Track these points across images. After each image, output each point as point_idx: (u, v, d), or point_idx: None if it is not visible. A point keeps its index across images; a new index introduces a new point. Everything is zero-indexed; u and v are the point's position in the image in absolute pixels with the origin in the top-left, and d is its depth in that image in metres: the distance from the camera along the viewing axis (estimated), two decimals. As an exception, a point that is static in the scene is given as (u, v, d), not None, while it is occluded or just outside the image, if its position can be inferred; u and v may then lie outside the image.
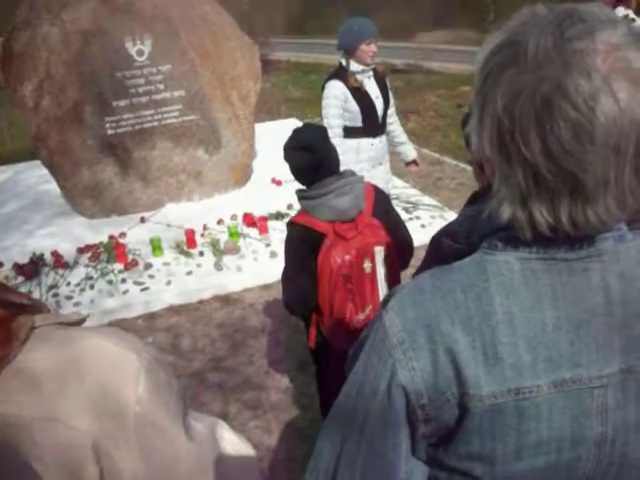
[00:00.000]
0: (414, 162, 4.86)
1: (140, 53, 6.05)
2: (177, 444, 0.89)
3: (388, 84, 4.58)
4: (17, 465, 0.79)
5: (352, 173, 2.60)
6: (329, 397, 2.91)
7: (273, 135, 7.89)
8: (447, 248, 1.05)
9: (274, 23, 26.49)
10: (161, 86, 6.21)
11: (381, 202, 2.65)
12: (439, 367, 0.88)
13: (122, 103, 6.09)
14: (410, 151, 4.82)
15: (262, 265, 5.17)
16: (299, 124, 9.23)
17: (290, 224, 2.59)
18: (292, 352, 4.08)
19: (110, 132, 6.09)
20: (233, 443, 1.04)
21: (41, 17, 5.87)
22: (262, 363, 4.03)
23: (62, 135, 5.97)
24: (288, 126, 9.38)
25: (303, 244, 2.51)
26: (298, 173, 2.56)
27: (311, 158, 2.48)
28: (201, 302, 4.86)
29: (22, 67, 5.88)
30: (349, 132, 4.26)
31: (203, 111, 6.38)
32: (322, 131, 2.62)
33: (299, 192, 2.58)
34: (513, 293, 0.87)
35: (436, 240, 1.76)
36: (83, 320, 0.94)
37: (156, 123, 6.24)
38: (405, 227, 2.75)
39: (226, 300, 4.86)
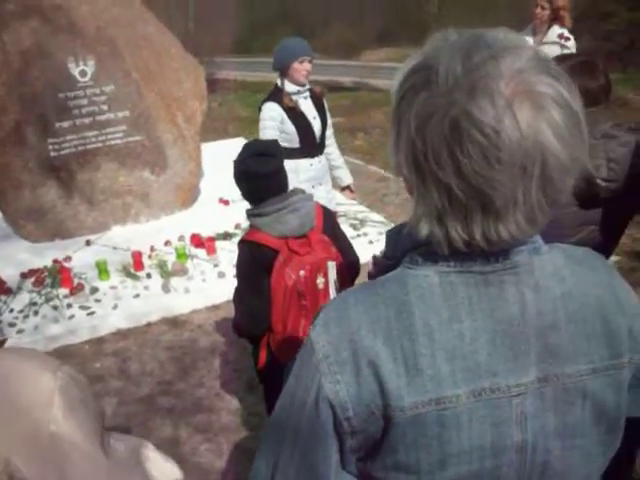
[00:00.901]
0: (349, 188, 4.89)
1: (83, 74, 5.97)
2: (94, 463, 0.89)
3: (326, 104, 4.61)
4: None
5: (302, 191, 2.62)
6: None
7: (220, 155, 7.84)
8: (379, 264, 1.09)
9: (220, 42, 26.51)
10: (105, 107, 6.13)
11: (329, 221, 2.67)
12: (362, 380, 0.90)
13: (65, 124, 5.99)
14: (345, 176, 4.85)
15: (210, 286, 5.13)
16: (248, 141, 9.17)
17: (241, 242, 2.57)
18: (241, 373, 4.06)
19: (53, 154, 5.98)
20: (158, 464, 1.04)
21: (-21, 39, 5.75)
22: (212, 385, 3.99)
23: (3, 157, 5.84)
24: (235, 145, 9.27)
25: (255, 262, 2.49)
26: (252, 185, 2.52)
27: (270, 164, 2.47)
28: (149, 325, 4.79)
29: (-40, 89, 5.74)
30: (287, 153, 4.27)
31: (148, 132, 6.33)
32: (277, 142, 2.66)
33: (250, 210, 2.57)
34: (432, 306, 0.90)
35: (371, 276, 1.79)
36: (3, 342, 0.94)
37: (100, 144, 6.15)
38: (351, 245, 2.77)
39: (174, 322, 4.80)
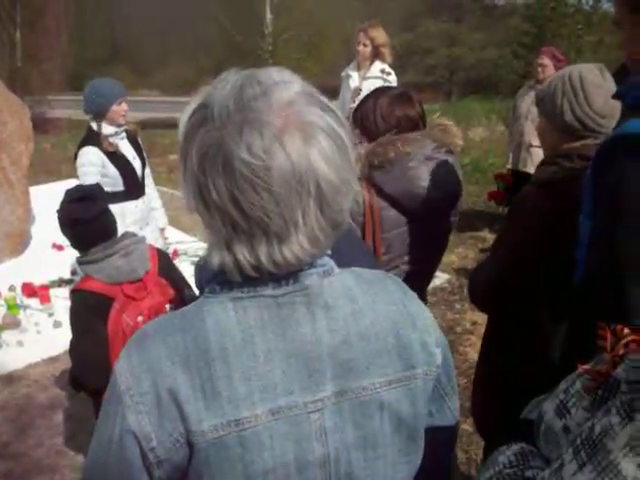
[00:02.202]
0: (163, 231, 4.87)
1: None
2: None
3: (140, 143, 4.58)
4: None
5: (133, 234, 2.56)
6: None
7: (53, 197, 7.41)
8: (190, 299, 1.11)
9: (51, 80, 25.44)
10: None
11: (164, 262, 2.62)
12: (163, 408, 0.91)
13: None
14: (161, 219, 4.82)
15: (46, 337, 4.83)
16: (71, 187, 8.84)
17: (73, 292, 2.46)
18: (85, 425, 3.82)
19: None
20: None
21: None
22: (53, 443, 3.73)
23: None
24: (69, 187, 8.99)
25: (88, 312, 2.38)
26: (77, 231, 2.42)
27: (94, 207, 2.39)
28: (-21, 385, 4.42)
29: None
30: (111, 197, 4.14)
31: (-30, 177, 5.92)
32: (99, 185, 2.61)
33: (80, 258, 2.47)
34: (226, 330, 0.93)
35: None
36: None
37: None
38: (189, 285, 2.73)
39: (8, 379, 4.46)
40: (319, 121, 0.87)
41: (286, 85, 0.88)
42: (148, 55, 37.40)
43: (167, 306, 2.48)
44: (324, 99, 0.92)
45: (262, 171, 0.83)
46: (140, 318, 2.39)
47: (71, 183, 8.27)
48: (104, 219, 2.45)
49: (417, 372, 1.02)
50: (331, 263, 1.00)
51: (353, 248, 1.21)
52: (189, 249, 6.14)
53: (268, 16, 21.96)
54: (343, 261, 1.02)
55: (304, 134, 0.85)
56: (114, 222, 2.52)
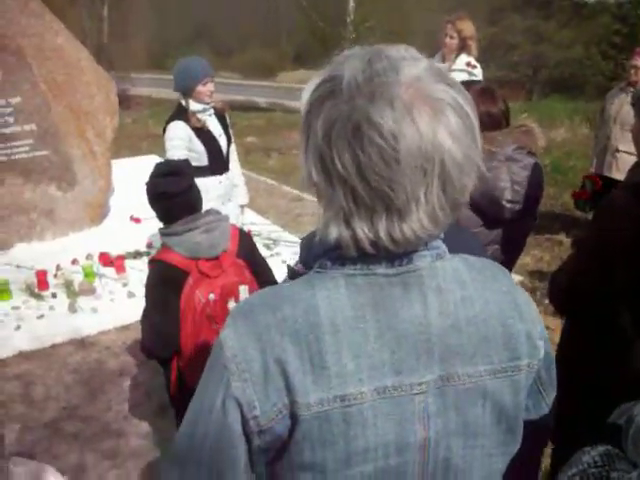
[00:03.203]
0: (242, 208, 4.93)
1: (-13, 84, 5.72)
2: None
3: (228, 120, 4.67)
4: None
5: (217, 212, 2.59)
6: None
7: (133, 172, 7.67)
8: (289, 272, 1.11)
9: (135, 58, 26.09)
10: (10, 119, 5.88)
11: (246, 244, 2.64)
12: (270, 378, 0.92)
13: (-33, 137, 5.71)
14: (242, 196, 4.89)
15: (119, 306, 4.97)
16: (160, 161, 9.04)
17: (151, 262, 2.51)
18: (152, 395, 3.94)
19: (-47, 167, 5.68)
20: None
21: None
22: (121, 409, 3.85)
23: None
24: (148, 163, 9.13)
25: (164, 282, 2.43)
26: (163, 204, 2.48)
27: (181, 182, 2.44)
28: (54, 347, 4.58)
29: None
30: (195, 172, 4.25)
31: (56, 146, 6.11)
32: (187, 161, 2.65)
33: (162, 229, 2.52)
34: (338, 306, 0.93)
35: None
36: None
37: (5, 158, 5.89)
38: (270, 270, 2.74)
39: (81, 344, 4.62)
40: (447, 97, 0.86)
41: (414, 61, 0.88)
42: (230, 38, 37.84)
43: (241, 287, 2.49)
44: (451, 77, 0.91)
45: (391, 142, 0.83)
46: (212, 296, 2.42)
47: (151, 159, 8.53)
48: (190, 194, 2.49)
49: (521, 364, 1.01)
50: (443, 247, 1.00)
51: (460, 234, 1.19)
52: (262, 231, 6.21)
53: (351, 4, 21.87)
54: (451, 246, 1.01)
55: (432, 109, 0.85)
56: (199, 197, 2.56)
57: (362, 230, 0.89)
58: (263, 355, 0.92)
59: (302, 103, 0.93)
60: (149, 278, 2.50)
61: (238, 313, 0.98)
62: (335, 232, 0.91)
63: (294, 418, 0.92)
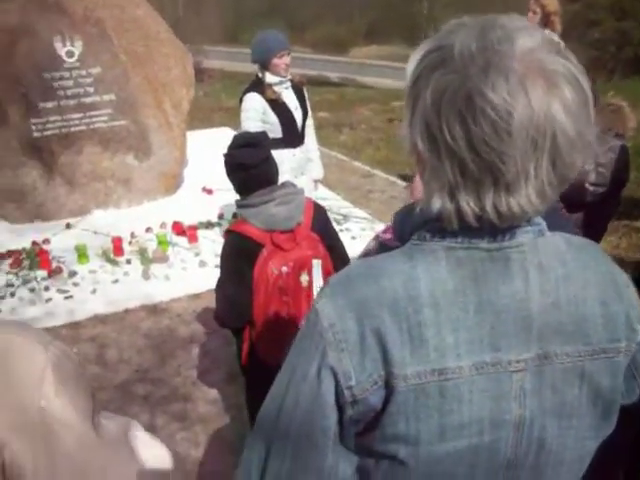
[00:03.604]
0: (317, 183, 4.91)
1: (70, 54, 5.88)
2: (84, 441, 0.87)
3: (306, 94, 4.66)
4: None
5: (292, 185, 2.60)
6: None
7: (205, 143, 7.80)
8: (384, 249, 1.09)
9: (208, 31, 26.34)
10: (90, 89, 6.04)
11: (320, 218, 2.63)
12: (367, 348, 0.91)
13: (49, 105, 5.89)
14: (317, 171, 4.87)
15: (191, 275, 5.09)
16: (232, 133, 9.16)
17: (227, 232, 2.55)
18: (221, 363, 4.02)
19: (36, 134, 5.88)
20: (147, 443, 1.02)
21: (-35, 12, 5.65)
22: (190, 374, 3.95)
23: (-16, 136, 5.74)
24: (221, 135, 9.31)
25: (238, 254, 2.46)
26: (239, 176, 2.51)
27: (257, 154, 2.47)
28: (127, 311, 4.72)
29: (-57, 63, 5.63)
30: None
31: (134, 116, 6.25)
32: (265, 133, 2.68)
33: (238, 201, 2.55)
34: (438, 278, 0.92)
35: (365, 255, 1.77)
36: None
37: (84, 127, 6.07)
38: (342, 245, 2.73)
39: (153, 310, 4.75)
40: (562, 70, 0.84)
41: (529, 32, 0.86)
42: (304, 13, 37.76)
43: (314, 261, 2.49)
44: (564, 48, 0.88)
45: (505, 114, 0.81)
46: (285, 269, 2.43)
47: (223, 131, 8.62)
48: (266, 166, 2.51)
49: (620, 346, 0.98)
50: (544, 223, 0.98)
51: (554, 212, 1.16)
52: (333, 206, 6.21)
53: (427, -22, 21.47)
54: (547, 224, 0.98)
55: (547, 82, 0.82)
56: (276, 170, 2.57)
57: (467, 203, 0.87)
58: (361, 325, 0.91)
59: (407, 73, 0.92)
60: (224, 249, 2.54)
61: (336, 283, 0.98)
62: (438, 204, 0.90)
63: (389, 390, 0.92)
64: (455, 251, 0.93)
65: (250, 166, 2.46)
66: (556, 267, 0.95)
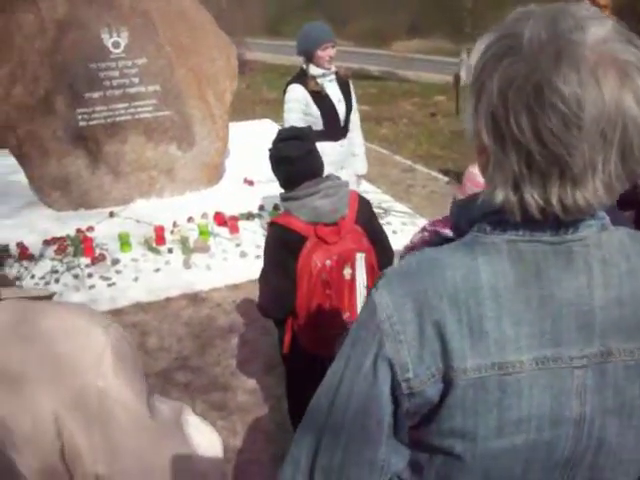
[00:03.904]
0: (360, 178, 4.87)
1: (116, 45, 5.97)
2: (140, 422, 0.88)
3: (352, 87, 4.62)
4: None
5: (337, 177, 2.59)
6: (299, 405, 2.87)
7: (247, 135, 7.85)
8: (437, 240, 1.07)
9: (251, 24, 26.43)
10: (136, 80, 6.13)
11: (365, 211, 2.61)
12: (425, 340, 0.90)
13: (95, 95, 5.99)
14: (361, 166, 4.83)
15: (232, 265, 5.12)
16: (274, 125, 9.21)
17: (271, 224, 2.56)
18: (260, 353, 4.04)
19: (82, 124, 5.99)
20: (198, 427, 1.03)
21: (16, 3, 5.76)
22: (229, 363, 3.98)
23: (32, 124, 5.86)
24: (262, 127, 9.37)
25: (282, 245, 2.47)
26: (283, 169, 2.52)
27: (301, 147, 2.47)
28: (168, 300, 4.78)
29: (-6, 53, 5.76)
30: None
31: (178, 107, 6.31)
32: (310, 127, 2.71)
33: (283, 194, 2.56)
34: (500, 271, 0.91)
35: (410, 248, 1.75)
36: (51, 296, 0.92)
37: (129, 117, 6.16)
38: (387, 238, 2.71)
39: (194, 299, 4.80)
40: (634, 60, 0.81)
41: (600, 21, 0.83)
42: (346, 5, 37.64)
43: (358, 255, 2.48)
44: (636, 37, 0.86)
45: (575, 105, 0.79)
46: (328, 262, 2.42)
47: (265, 123, 8.65)
48: (310, 159, 2.51)
49: None
50: (607, 218, 0.96)
51: (614, 208, 1.13)
52: (373, 200, 6.17)
53: (472, -28, 21.15)
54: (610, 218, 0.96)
55: (619, 73, 0.80)
56: (320, 163, 2.57)
57: (531, 195, 0.86)
58: (420, 317, 0.90)
59: (472, 62, 0.90)
60: (268, 240, 2.55)
61: (394, 274, 0.97)
62: (501, 196, 0.88)
63: (447, 383, 0.91)
64: (517, 244, 0.91)
65: (295, 159, 2.46)
66: (620, 262, 0.93)
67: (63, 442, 0.80)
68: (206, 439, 1.01)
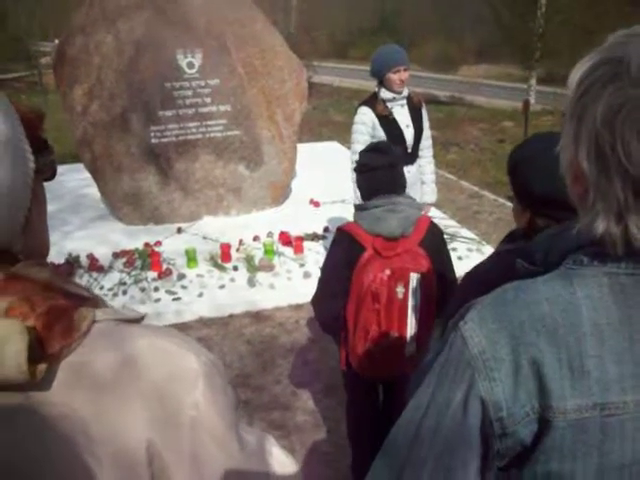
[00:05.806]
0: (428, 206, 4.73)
1: (190, 66, 6.12)
2: (229, 453, 0.86)
3: (424, 113, 4.56)
4: (70, 456, 0.76)
5: (411, 198, 2.59)
6: (357, 423, 2.85)
7: (313, 156, 7.90)
8: (521, 270, 1.02)
9: (318, 47, 26.76)
10: (208, 99, 6.26)
11: (433, 237, 2.56)
12: (521, 379, 0.85)
13: (168, 113, 6.15)
14: (429, 194, 4.69)
15: (295, 285, 5.14)
16: (340, 147, 9.26)
17: (339, 229, 2.60)
18: (320, 374, 4.03)
19: (154, 141, 6.15)
20: (280, 460, 1.01)
21: (97, 24, 5.99)
22: (289, 383, 3.98)
23: (107, 141, 6.05)
24: (329, 148, 9.44)
25: (343, 251, 2.51)
26: (364, 177, 2.56)
27: (381, 158, 2.51)
28: (232, 317, 4.83)
29: (74, 72, 6.00)
30: None
31: (247, 127, 6.42)
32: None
33: (358, 205, 2.60)
34: (602, 306, 0.85)
35: (470, 276, 1.71)
36: (142, 318, 0.92)
37: (200, 136, 6.29)
38: (451, 265, 2.65)
39: (257, 317, 4.83)
40: None
41: None
42: (413, 29, 37.76)
43: (412, 274, 2.44)
44: None
45: None
46: (380, 275, 2.41)
47: (331, 145, 8.69)
48: (391, 172, 2.53)
49: None
50: None
51: None
52: (439, 225, 6.13)
53: (543, -4, 20.82)
54: None
55: None
56: (402, 180, 2.58)
57: (637, 226, 0.81)
58: (515, 354, 0.86)
59: (571, 86, 0.86)
60: (331, 245, 2.61)
61: (487, 306, 0.92)
62: (602, 227, 0.83)
63: (544, 424, 0.86)
64: (618, 277, 0.86)
65: (373, 168, 2.51)
66: None
67: (153, 471, 0.80)
68: (287, 472, 1.00)
